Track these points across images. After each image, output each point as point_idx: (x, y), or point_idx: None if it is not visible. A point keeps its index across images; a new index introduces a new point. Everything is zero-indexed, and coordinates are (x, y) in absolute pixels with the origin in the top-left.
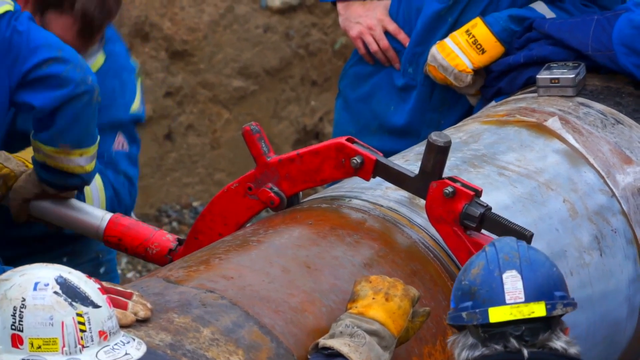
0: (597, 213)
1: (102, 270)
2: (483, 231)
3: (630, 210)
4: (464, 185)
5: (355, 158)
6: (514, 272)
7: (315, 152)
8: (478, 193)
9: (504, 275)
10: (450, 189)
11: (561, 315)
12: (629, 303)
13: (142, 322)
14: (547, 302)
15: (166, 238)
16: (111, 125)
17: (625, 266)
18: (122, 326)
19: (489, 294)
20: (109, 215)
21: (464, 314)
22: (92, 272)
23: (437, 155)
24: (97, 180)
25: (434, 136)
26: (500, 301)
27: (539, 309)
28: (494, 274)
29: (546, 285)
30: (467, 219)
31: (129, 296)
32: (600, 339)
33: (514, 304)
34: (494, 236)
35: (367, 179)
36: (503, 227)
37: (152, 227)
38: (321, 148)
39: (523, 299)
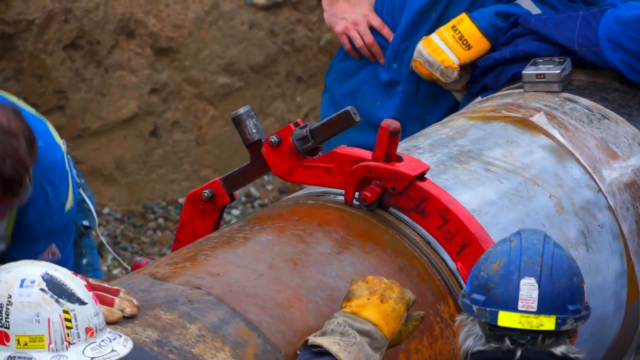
0: (584, 208)
1: (84, 261)
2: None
3: (617, 206)
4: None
5: (205, 192)
6: (532, 280)
7: (182, 225)
8: (296, 122)
9: (522, 282)
10: (273, 138)
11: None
12: (616, 298)
13: (128, 318)
14: (558, 316)
15: None
16: (46, 234)
17: (611, 261)
18: (109, 323)
19: (503, 296)
20: None
21: (475, 308)
22: (75, 262)
23: (246, 122)
24: None
25: (234, 112)
26: (512, 306)
27: (548, 323)
28: (512, 276)
29: (561, 298)
30: (302, 145)
31: (115, 293)
32: (587, 335)
33: (524, 313)
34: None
35: (229, 201)
36: (331, 126)
37: None
38: (182, 215)
39: (535, 309)
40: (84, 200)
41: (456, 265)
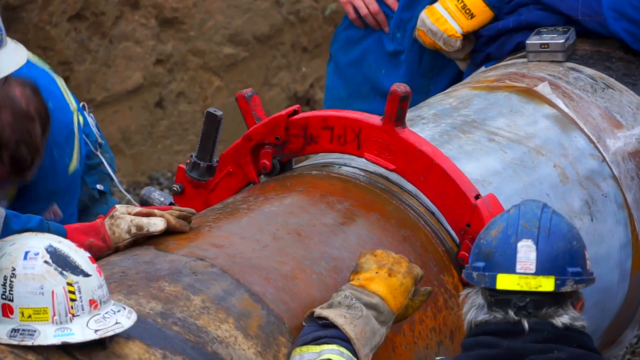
0: (588, 178)
1: None
2: None
3: (621, 175)
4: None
5: (175, 187)
6: (529, 242)
7: None
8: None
9: (519, 244)
10: (175, 188)
11: (571, 291)
12: (620, 268)
13: (131, 287)
14: (557, 277)
15: None
16: (48, 194)
17: (616, 231)
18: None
19: (501, 259)
20: None
21: (475, 274)
22: None
23: (152, 198)
24: None
25: (143, 194)
26: (510, 269)
27: (547, 284)
28: (510, 239)
29: (560, 260)
30: (197, 172)
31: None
32: (591, 305)
33: (523, 274)
34: None
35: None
36: (206, 137)
37: None
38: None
39: (533, 271)
40: (101, 163)
41: (365, 158)
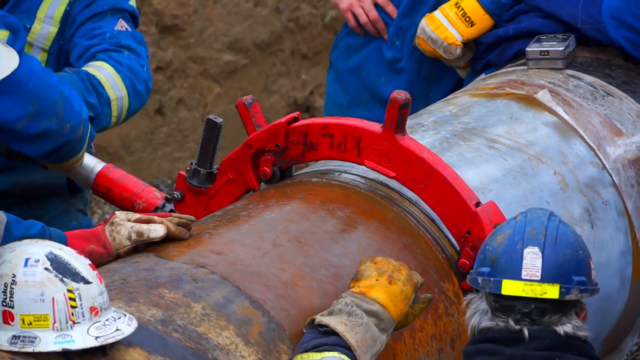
0: (588, 185)
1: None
2: None
3: (621, 182)
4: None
5: (176, 194)
6: (535, 249)
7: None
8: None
9: (525, 250)
10: (176, 195)
11: (575, 300)
12: (621, 275)
13: (133, 293)
14: (562, 285)
15: (154, 195)
16: (112, 10)
17: (616, 238)
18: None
19: (507, 266)
20: (100, 165)
21: (480, 279)
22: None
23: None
24: (106, 67)
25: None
26: (516, 275)
27: (552, 291)
28: (516, 246)
29: (566, 268)
30: (197, 179)
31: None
32: (592, 312)
33: (528, 281)
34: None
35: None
36: (207, 144)
37: (142, 182)
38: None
39: (539, 278)
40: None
41: (366, 165)
